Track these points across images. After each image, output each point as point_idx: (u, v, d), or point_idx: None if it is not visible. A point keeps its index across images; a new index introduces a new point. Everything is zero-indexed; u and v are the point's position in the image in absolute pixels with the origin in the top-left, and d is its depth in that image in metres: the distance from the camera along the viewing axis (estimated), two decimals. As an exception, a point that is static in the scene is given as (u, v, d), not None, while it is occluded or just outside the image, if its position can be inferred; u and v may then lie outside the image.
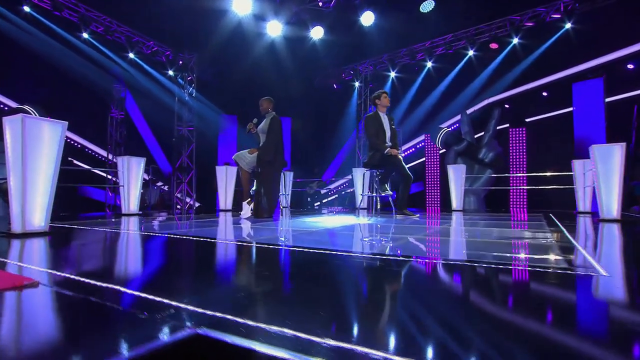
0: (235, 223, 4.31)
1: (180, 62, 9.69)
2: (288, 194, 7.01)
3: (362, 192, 5.56)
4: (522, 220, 4.82)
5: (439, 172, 12.12)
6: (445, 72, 10.73)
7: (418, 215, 5.35)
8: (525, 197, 10.48)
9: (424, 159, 12.47)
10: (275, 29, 9.58)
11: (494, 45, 9.99)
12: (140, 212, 5.83)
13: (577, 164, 5.92)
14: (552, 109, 10.33)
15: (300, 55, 11.60)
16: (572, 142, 9.87)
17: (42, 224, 3.14)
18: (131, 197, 5.53)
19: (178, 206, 9.41)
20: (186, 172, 9.34)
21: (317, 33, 9.88)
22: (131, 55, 9.23)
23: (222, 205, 6.95)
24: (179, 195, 9.34)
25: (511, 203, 10.68)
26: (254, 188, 5.14)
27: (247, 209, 4.97)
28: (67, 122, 3.04)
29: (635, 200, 7.32)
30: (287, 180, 8.55)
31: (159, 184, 10.94)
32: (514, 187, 9.78)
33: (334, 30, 10.36)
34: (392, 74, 11.33)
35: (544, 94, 10.75)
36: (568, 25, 8.98)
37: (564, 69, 9.80)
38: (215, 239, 2.85)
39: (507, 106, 11.19)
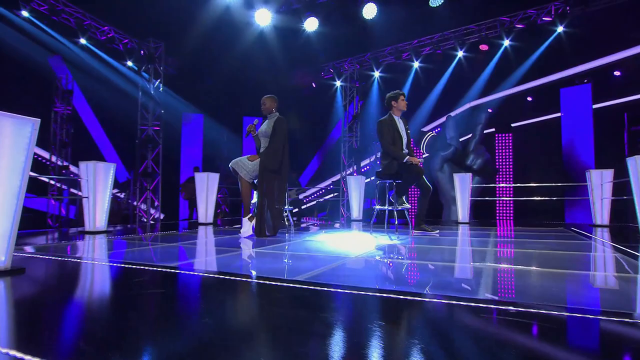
0: (240, 244, 3.69)
1: (142, 52, 8.78)
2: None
3: (375, 205, 5.10)
4: (566, 239, 4.56)
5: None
6: (433, 74, 10.57)
7: (438, 231, 4.98)
8: (511, 206, 10.52)
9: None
10: (263, 18, 8.96)
11: (483, 47, 9.95)
12: (109, 230, 5.00)
13: (593, 175, 5.82)
14: (539, 114, 10.46)
15: (273, 51, 11.01)
16: (559, 149, 10.02)
17: (2, 259, 2.38)
18: (98, 211, 4.71)
19: (143, 219, 8.48)
20: (151, 178, 8.44)
21: (311, 25, 9.33)
22: (83, 41, 8.21)
23: (201, 218, 6.23)
24: (143, 207, 8.42)
25: (497, 213, 10.69)
26: (254, 200, 4.53)
27: (247, 226, 4.35)
28: (39, 120, 2.31)
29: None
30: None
31: (115, 191, 9.87)
32: (507, 198, 9.74)
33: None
34: (377, 74, 11.02)
35: (529, 98, 10.89)
36: (560, 29, 9.07)
37: (553, 73, 9.94)
38: (252, 277, 2.24)
39: (490, 110, 11.24)
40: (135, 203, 8.64)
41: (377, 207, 5.01)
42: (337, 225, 6.92)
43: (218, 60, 11.31)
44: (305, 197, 13.13)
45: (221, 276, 2.23)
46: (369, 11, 8.62)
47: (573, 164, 9.74)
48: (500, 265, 2.64)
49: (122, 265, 2.60)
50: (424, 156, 11.89)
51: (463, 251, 3.27)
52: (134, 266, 2.52)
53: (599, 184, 5.73)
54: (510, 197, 10.09)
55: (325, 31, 10.46)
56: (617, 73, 9.37)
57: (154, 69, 8.85)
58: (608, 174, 5.82)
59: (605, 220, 5.76)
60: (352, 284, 2.00)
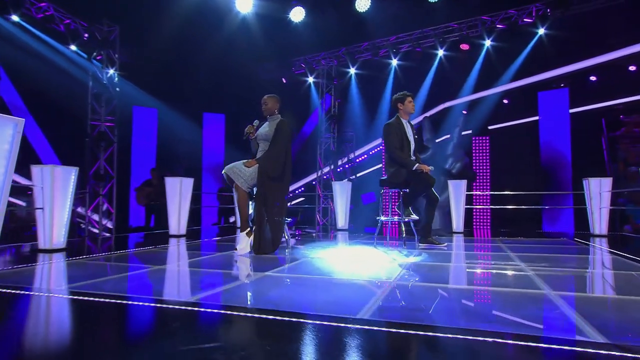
0: (241, 265, 3.22)
1: (86, 36, 7.93)
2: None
3: (380, 217, 4.82)
4: (584, 252, 4.49)
5: (397, 181, 11.90)
6: (414, 72, 10.50)
7: (446, 244, 4.79)
8: (489, 214, 10.68)
9: (379, 165, 12.17)
10: (244, 4, 8.42)
11: (464, 46, 9.99)
12: (66, 247, 4.32)
13: (592, 183, 5.89)
14: (517, 117, 10.69)
15: (240, 43, 10.47)
16: (537, 153, 10.30)
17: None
18: (55, 225, 4.04)
19: (94, 229, 7.64)
20: (104, 181, 7.63)
21: (297, 15, 8.90)
22: (15, 18, 7.23)
23: (173, 229, 5.62)
24: (96, 218, 7.57)
25: (475, 221, 10.81)
26: (250, 212, 4.08)
27: (245, 243, 3.89)
28: (23, 120, 1.79)
29: (627, 219, 7.75)
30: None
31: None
32: (484, 207, 9.80)
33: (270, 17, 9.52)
34: (352, 71, 10.77)
35: (505, 101, 11.12)
36: (542, 32, 9.30)
37: (532, 75, 10.18)
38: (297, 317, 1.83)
39: (464, 112, 11.37)
40: (82, 211, 7.76)
41: (383, 218, 4.74)
42: (313, 234, 6.56)
43: (178, 50, 10.58)
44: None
45: (257, 315, 1.80)
46: (363, 3, 8.40)
47: (551, 168, 10.04)
48: (588, 294, 2.39)
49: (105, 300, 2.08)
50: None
51: (516, 275, 3.02)
52: (122, 301, 2.01)
53: (598, 193, 5.82)
54: (487, 205, 10.20)
55: (299, 23, 10.10)
56: (593, 78, 9.75)
57: (108, 56, 8.03)
58: (607, 182, 5.93)
59: (603, 230, 5.86)
60: (437, 322, 1.65)
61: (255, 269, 3.23)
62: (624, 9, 8.62)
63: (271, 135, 4.03)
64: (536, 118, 10.37)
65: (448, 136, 10.93)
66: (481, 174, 10.94)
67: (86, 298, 2.14)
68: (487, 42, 9.74)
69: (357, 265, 3.46)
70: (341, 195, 6.97)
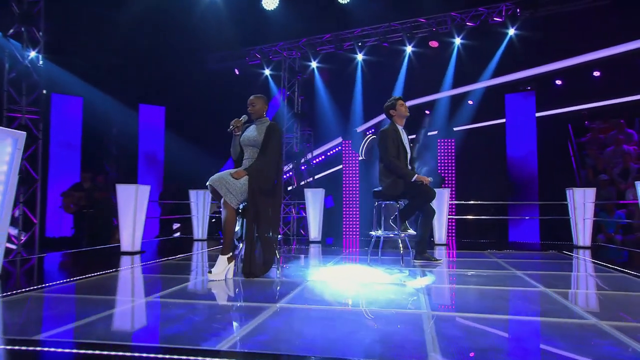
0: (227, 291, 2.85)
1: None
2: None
3: (373, 231, 4.68)
4: (602, 271, 4.59)
5: (359, 185, 11.89)
6: (378, 68, 10.52)
7: (442, 260, 4.76)
8: (454, 223, 10.94)
9: (340, 166, 12.08)
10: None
11: (433, 44, 10.13)
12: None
13: (576, 193, 6.12)
14: (484, 119, 11.08)
15: (185, 27, 9.92)
16: (504, 157, 10.73)
17: None
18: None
19: (12, 246, 6.76)
20: (27, 185, 6.82)
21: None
22: None
23: (126, 245, 5.05)
24: (13, 231, 6.69)
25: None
26: (237, 228, 3.76)
27: (222, 268, 3.51)
28: (24, 134, 1.42)
29: (599, 229, 8.22)
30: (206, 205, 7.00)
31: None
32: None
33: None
34: (314, 64, 10.57)
35: (470, 102, 11.50)
36: (512, 32, 9.68)
37: (500, 76, 10.59)
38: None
39: (427, 112, 11.62)
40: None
41: (378, 233, 4.60)
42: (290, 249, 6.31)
43: (112, 31, 9.79)
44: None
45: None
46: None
47: (517, 173, 10.50)
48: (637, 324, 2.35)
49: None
50: (360, 159, 11.85)
51: (550, 300, 2.95)
52: None
53: (582, 203, 6.10)
54: (453, 214, 10.38)
55: (248, 7, 9.76)
56: (558, 82, 10.34)
57: (29, 34, 7.19)
58: (590, 193, 6.21)
59: (587, 242, 6.11)
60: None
61: (258, 299, 2.95)
62: (592, 14, 9.21)
63: (260, 141, 3.73)
64: (503, 120, 10.81)
65: (414, 136, 11.10)
66: (447, 179, 11.20)
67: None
68: (457, 41, 9.94)
69: (368, 290, 3.29)
70: (314, 203, 6.72)
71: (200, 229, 6.97)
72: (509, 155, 10.60)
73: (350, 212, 11.70)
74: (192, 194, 6.99)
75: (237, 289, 3.29)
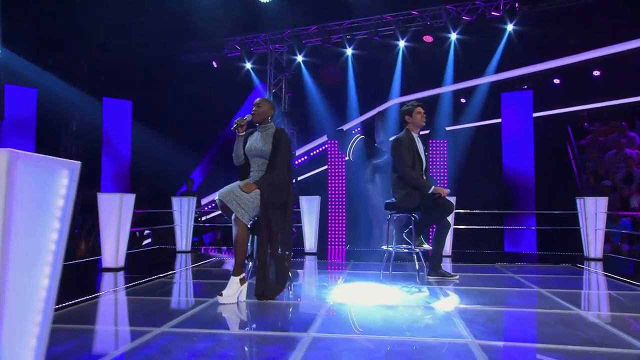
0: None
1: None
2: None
3: (387, 245, 4.59)
4: (610, 288, 4.52)
5: (345, 189, 11.76)
6: (368, 63, 10.44)
7: (458, 276, 4.70)
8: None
9: (324, 167, 11.92)
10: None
11: (427, 38, 10.07)
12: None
13: (587, 202, 6.12)
14: (479, 119, 11.14)
15: (154, 13, 9.59)
16: (499, 158, 10.81)
17: None
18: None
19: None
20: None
21: None
22: None
23: (108, 261, 4.72)
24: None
25: (431, 237, 11.03)
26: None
27: (234, 290, 3.34)
28: (79, 163, 1.25)
29: (605, 238, 8.30)
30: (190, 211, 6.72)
31: None
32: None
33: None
34: (300, 58, 10.36)
35: (462, 100, 11.57)
36: (510, 28, 9.75)
37: (496, 74, 10.65)
38: None
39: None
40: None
41: (390, 248, 4.50)
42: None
43: (72, 17, 9.37)
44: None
45: None
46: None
47: (513, 176, 10.59)
48: None
49: None
50: (346, 159, 11.73)
51: (592, 326, 2.88)
52: None
53: (594, 213, 6.14)
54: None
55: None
56: (556, 81, 10.49)
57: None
58: (602, 202, 6.24)
59: (599, 253, 6.14)
60: None
61: (285, 327, 2.82)
62: (593, 10, 9.36)
63: (268, 151, 3.55)
64: (498, 120, 10.90)
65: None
66: (439, 182, 11.22)
67: None
68: (453, 36, 9.87)
69: (397, 314, 3.17)
70: (309, 212, 6.53)
71: (184, 240, 6.69)
72: (504, 157, 10.64)
73: (337, 218, 11.56)
74: (175, 201, 6.69)
75: (256, 314, 3.13)
